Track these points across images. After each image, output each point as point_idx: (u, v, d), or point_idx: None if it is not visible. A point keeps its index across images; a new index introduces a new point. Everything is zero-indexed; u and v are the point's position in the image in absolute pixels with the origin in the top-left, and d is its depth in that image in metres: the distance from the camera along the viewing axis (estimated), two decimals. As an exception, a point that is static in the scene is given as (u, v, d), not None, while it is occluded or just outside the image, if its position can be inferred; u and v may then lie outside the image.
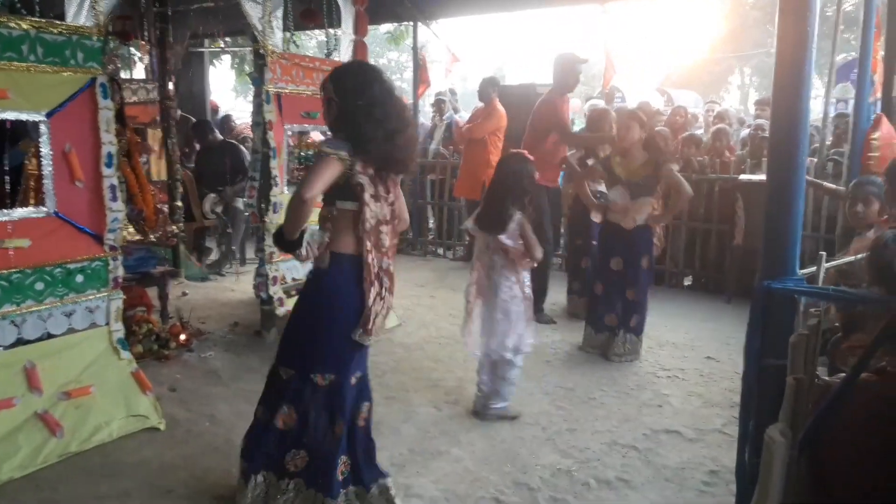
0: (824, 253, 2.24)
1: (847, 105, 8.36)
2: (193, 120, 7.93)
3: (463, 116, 8.98)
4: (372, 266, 2.50)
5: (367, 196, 2.47)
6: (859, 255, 2.60)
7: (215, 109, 10.81)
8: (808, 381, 1.50)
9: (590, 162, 5.63)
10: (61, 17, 3.42)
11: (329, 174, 2.39)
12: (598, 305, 4.74)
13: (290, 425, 2.60)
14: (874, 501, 1.49)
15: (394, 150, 2.51)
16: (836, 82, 7.93)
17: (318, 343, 2.55)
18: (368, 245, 2.49)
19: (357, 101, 2.47)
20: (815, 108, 9.37)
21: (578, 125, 8.04)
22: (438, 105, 8.93)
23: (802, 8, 1.92)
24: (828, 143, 6.17)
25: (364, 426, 2.71)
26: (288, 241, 2.52)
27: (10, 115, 3.19)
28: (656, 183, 4.56)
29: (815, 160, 6.01)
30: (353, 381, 2.63)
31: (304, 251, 2.52)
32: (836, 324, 2.79)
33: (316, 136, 5.32)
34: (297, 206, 2.40)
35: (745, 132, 7.36)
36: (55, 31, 3.28)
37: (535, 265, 3.66)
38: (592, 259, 5.41)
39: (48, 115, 3.28)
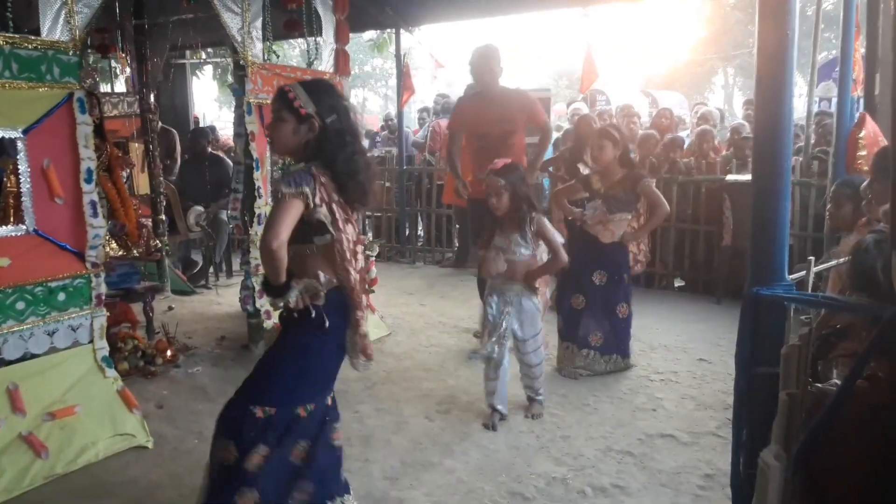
0: (813, 258, 2.21)
1: (830, 104, 8.41)
2: (173, 132, 7.87)
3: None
4: (358, 293, 2.41)
5: (340, 223, 2.31)
6: (842, 260, 2.58)
7: (196, 121, 10.74)
8: (801, 393, 1.47)
9: (583, 169, 5.62)
10: (36, 32, 3.37)
11: (293, 215, 2.20)
12: (581, 319, 4.45)
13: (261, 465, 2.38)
14: None
15: (370, 183, 2.42)
16: (818, 81, 7.98)
17: (306, 377, 2.42)
18: (353, 272, 2.37)
19: (339, 125, 2.34)
20: (798, 106, 9.45)
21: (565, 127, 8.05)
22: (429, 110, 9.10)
23: (782, 10, 1.90)
24: (812, 141, 6.20)
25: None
26: (276, 288, 2.31)
27: (-14, 133, 3.14)
28: (635, 199, 4.45)
29: (801, 159, 6.04)
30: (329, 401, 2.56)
31: (292, 300, 2.32)
32: (823, 331, 2.77)
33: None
34: (269, 257, 2.20)
35: (728, 133, 7.40)
36: (30, 46, 3.22)
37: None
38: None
39: (25, 132, 3.22)
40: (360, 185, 2.39)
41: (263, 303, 4.56)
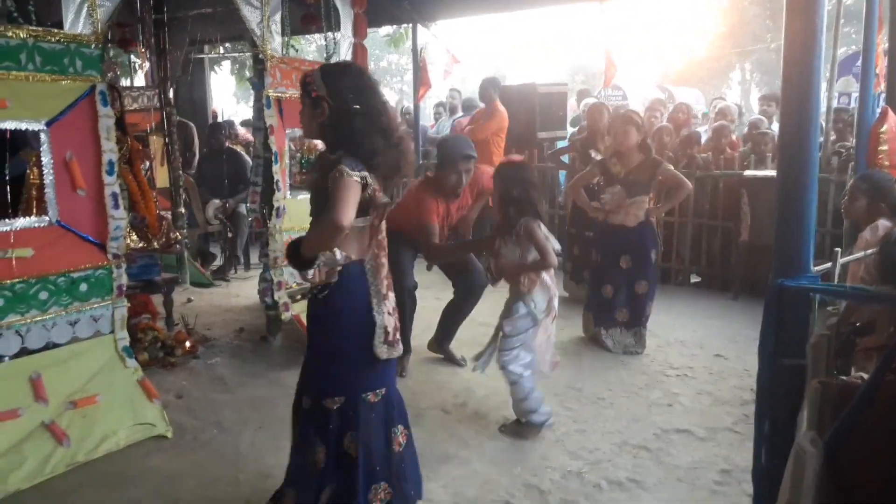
0: (839, 249, 2.20)
1: (850, 99, 8.33)
2: (191, 125, 7.92)
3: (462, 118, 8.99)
4: (384, 274, 2.45)
5: (380, 206, 2.38)
6: (868, 252, 2.56)
7: (214, 116, 10.80)
8: (833, 385, 1.46)
9: (595, 156, 5.61)
10: (59, 25, 3.41)
11: (356, 197, 2.23)
12: (611, 306, 4.77)
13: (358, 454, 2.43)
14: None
15: (400, 157, 2.42)
16: (838, 76, 7.90)
17: (356, 362, 2.43)
18: (382, 254, 2.43)
19: (354, 105, 2.33)
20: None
21: (576, 124, 8.04)
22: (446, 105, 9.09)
23: (810, 5, 1.89)
24: (833, 137, 6.14)
25: (400, 450, 2.55)
26: (303, 259, 2.34)
27: (10, 125, 3.18)
28: (652, 182, 4.66)
29: (820, 154, 5.98)
30: (373, 398, 2.47)
31: (313, 273, 2.39)
32: (843, 329, 2.75)
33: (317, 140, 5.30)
34: (333, 234, 2.21)
35: (746, 128, 7.35)
36: (53, 39, 3.27)
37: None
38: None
39: (48, 124, 3.27)
40: (390, 160, 2.39)
41: (282, 295, 4.59)
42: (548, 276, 3.45)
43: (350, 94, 2.34)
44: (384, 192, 2.42)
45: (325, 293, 2.39)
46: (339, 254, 2.33)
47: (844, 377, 1.65)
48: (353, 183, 2.22)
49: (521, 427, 3.51)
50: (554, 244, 3.39)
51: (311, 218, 2.44)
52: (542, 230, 3.37)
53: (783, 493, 1.53)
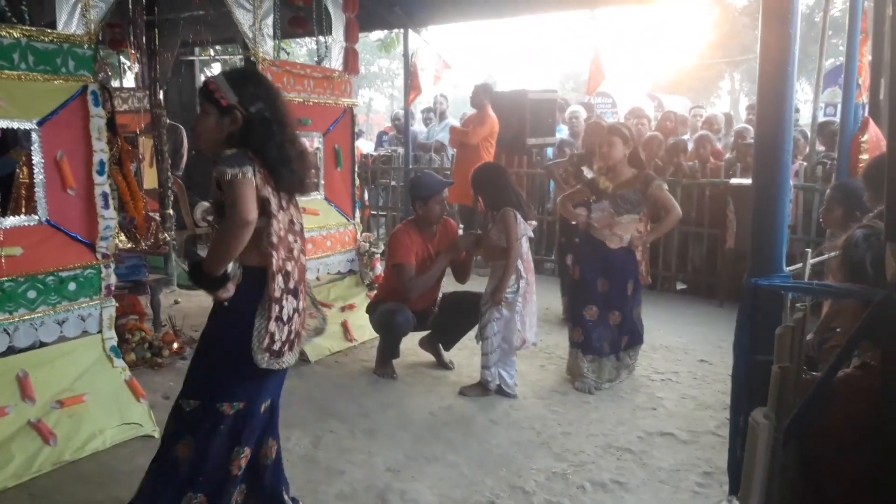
0: (809, 249, 2.26)
1: (836, 110, 8.45)
2: (180, 127, 7.91)
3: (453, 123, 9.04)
4: (280, 280, 2.32)
5: (273, 208, 2.26)
6: (833, 254, 2.63)
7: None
8: (794, 371, 1.53)
9: (587, 174, 5.63)
10: (52, 25, 3.42)
11: (252, 193, 2.16)
12: (594, 330, 4.25)
13: (187, 459, 2.40)
14: (859, 492, 1.53)
15: (305, 172, 2.38)
16: (825, 87, 8.01)
17: (226, 369, 2.37)
18: (277, 258, 2.30)
19: (265, 114, 2.26)
20: (806, 112, 9.47)
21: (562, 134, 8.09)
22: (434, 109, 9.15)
23: (784, 12, 1.95)
24: (821, 148, 6.24)
25: (268, 465, 2.57)
26: (212, 279, 2.23)
27: (2, 124, 3.18)
28: (643, 200, 4.25)
29: (805, 164, 6.07)
30: (262, 409, 2.47)
31: (228, 290, 2.28)
32: (825, 335, 2.81)
33: (308, 143, 5.33)
34: (240, 233, 2.14)
35: (731, 138, 7.43)
36: (46, 39, 3.28)
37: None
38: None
39: (39, 124, 3.28)
40: (294, 174, 2.34)
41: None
42: (520, 262, 3.95)
43: (260, 103, 2.28)
44: (284, 198, 2.35)
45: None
46: (233, 264, 2.28)
47: (814, 374, 1.71)
48: (241, 180, 2.14)
49: (478, 386, 4.08)
50: (527, 231, 4.00)
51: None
52: (518, 220, 3.92)
53: (744, 468, 1.60)
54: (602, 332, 4.25)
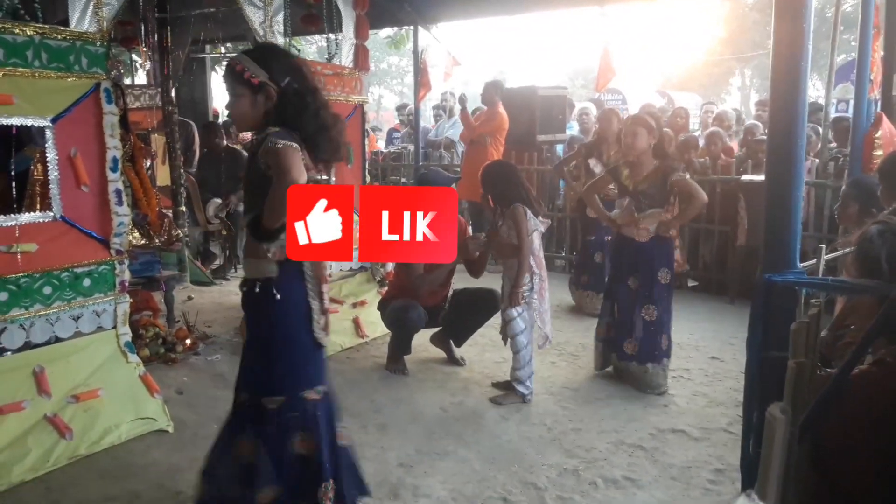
0: (824, 245, 2.25)
1: (848, 106, 8.40)
2: (191, 124, 7.95)
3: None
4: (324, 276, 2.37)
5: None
6: (847, 250, 2.62)
7: (216, 115, 10.84)
8: (809, 366, 1.53)
9: (593, 166, 5.63)
10: (65, 23, 3.45)
11: (300, 161, 2.14)
12: (619, 329, 4.21)
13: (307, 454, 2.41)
14: (873, 488, 1.52)
15: (341, 137, 2.37)
16: (837, 83, 7.95)
17: (297, 357, 2.39)
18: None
19: (294, 86, 2.27)
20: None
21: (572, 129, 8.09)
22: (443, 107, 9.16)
23: (798, 7, 1.94)
24: (833, 145, 6.20)
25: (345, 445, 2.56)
26: (271, 231, 2.21)
27: (16, 121, 3.21)
28: (667, 193, 4.11)
29: (817, 161, 6.04)
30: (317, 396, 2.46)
31: (273, 251, 2.25)
32: (838, 332, 2.80)
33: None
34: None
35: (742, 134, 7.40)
36: (59, 37, 3.30)
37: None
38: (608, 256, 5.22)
39: (53, 121, 3.31)
40: (332, 141, 2.35)
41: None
42: (532, 258, 3.91)
43: (288, 76, 2.29)
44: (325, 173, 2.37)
45: (261, 286, 2.32)
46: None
47: (829, 370, 1.71)
48: (289, 149, 2.12)
49: (509, 390, 3.99)
50: (538, 226, 3.97)
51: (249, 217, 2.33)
52: (528, 216, 3.90)
53: (761, 462, 1.60)
54: (625, 331, 4.17)
